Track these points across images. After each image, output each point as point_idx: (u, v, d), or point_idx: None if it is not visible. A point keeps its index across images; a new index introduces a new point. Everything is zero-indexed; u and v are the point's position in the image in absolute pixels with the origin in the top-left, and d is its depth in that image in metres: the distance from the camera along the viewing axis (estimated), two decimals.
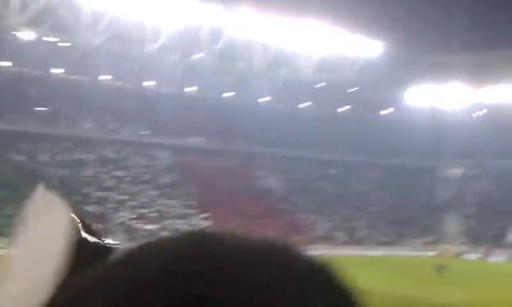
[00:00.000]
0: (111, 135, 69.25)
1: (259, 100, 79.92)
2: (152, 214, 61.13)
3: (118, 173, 66.18)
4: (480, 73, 65.90)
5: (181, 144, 71.42)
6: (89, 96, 69.95)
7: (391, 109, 79.55)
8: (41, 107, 67.56)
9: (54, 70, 71.86)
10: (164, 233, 56.76)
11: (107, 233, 54.86)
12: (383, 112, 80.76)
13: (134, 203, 61.40)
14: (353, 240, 66.35)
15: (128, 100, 72.57)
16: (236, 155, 73.71)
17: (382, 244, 65.58)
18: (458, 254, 62.41)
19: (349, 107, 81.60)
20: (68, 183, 60.91)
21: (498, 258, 59.96)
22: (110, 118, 71.10)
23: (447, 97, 68.89)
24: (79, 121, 69.06)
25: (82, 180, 62.81)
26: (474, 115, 75.30)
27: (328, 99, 77.17)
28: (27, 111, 65.22)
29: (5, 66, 69.61)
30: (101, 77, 73.94)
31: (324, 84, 73.94)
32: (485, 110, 74.42)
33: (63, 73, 72.37)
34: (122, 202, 61.18)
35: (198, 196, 65.94)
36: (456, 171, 79.25)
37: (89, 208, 57.93)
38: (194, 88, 78.07)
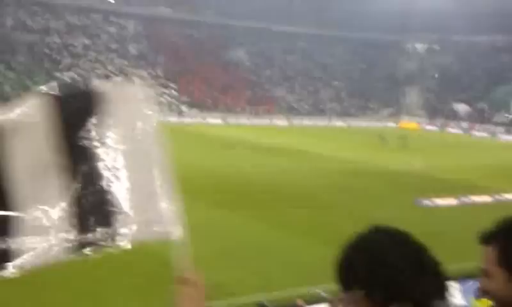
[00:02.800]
0: (78, 1, 67.21)
1: None
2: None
3: (86, 41, 65.08)
4: None
5: (149, 13, 70.14)
6: None
7: None
8: None
9: None
10: None
11: None
12: None
13: (101, 71, 60.90)
14: (317, 111, 68.41)
15: None
16: (204, 26, 73.27)
17: (345, 115, 67.99)
18: (417, 125, 65.79)
19: None
20: (37, 50, 60.23)
21: (455, 129, 63.84)
22: None
23: None
24: None
25: (50, 46, 61.72)
26: None
27: None
28: None
29: None
30: None
31: None
32: None
33: None
34: (91, 69, 60.73)
35: (165, 66, 65.88)
36: (419, 46, 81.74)
37: (58, 75, 57.80)
38: None
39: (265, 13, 74.33)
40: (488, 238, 1.76)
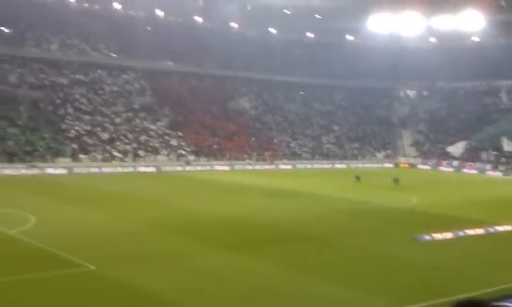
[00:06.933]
0: (81, 57, 69.62)
1: (228, 25, 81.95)
2: (127, 135, 63.27)
3: (91, 95, 67.06)
4: (432, 2, 70.64)
5: (152, 66, 73.06)
6: (55, 18, 70.23)
7: (354, 36, 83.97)
8: (6, 28, 67.13)
9: None
10: (140, 152, 60.21)
11: (86, 153, 57.57)
12: (347, 38, 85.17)
13: (108, 125, 63.19)
14: (319, 155, 72.25)
15: (96, 22, 73.10)
16: (206, 77, 76.91)
17: (346, 157, 72.26)
18: (412, 166, 69.30)
19: (314, 33, 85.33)
20: (41, 106, 61.60)
21: (446, 168, 67.17)
22: (78, 40, 71.53)
23: (404, 24, 73.55)
24: (46, 43, 69.04)
25: (55, 102, 63.14)
26: (428, 40, 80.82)
27: (295, 24, 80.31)
28: None
29: None
30: None
31: (290, 11, 76.69)
32: (436, 38, 79.93)
33: None
34: (98, 123, 62.85)
35: (171, 117, 68.74)
36: (409, 92, 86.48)
37: (66, 128, 59.78)
38: (163, 12, 78.72)
39: (266, 65, 78.35)
40: None
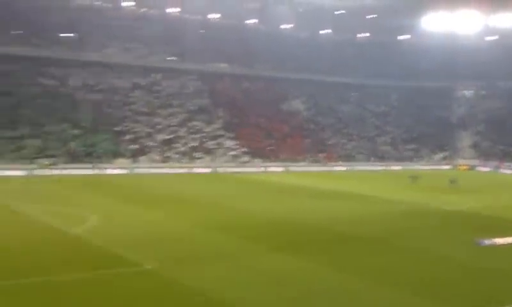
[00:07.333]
0: (139, 61, 71.50)
1: (280, 27, 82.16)
2: (183, 136, 64.52)
3: (148, 98, 68.79)
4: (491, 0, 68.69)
5: (206, 69, 74.34)
6: (114, 23, 72.39)
7: (408, 35, 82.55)
8: (67, 33, 69.55)
9: None
10: (196, 154, 61.27)
11: (144, 154, 59.15)
12: (400, 38, 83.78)
13: (166, 126, 64.59)
14: (374, 157, 71.43)
15: (153, 27, 74.89)
16: (259, 79, 77.42)
17: (401, 159, 71.18)
18: (471, 167, 67.32)
19: (368, 33, 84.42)
20: (101, 108, 63.63)
21: (507, 170, 64.86)
22: (136, 44, 73.38)
23: (461, 23, 71.65)
24: (105, 47, 71.23)
25: (114, 105, 65.09)
26: (486, 39, 78.34)
27: (347, 25, 79.71)
28: (53, 38, 67.25)
29: None
30: (124, 4, 75.58)
31: (343, 12, 76.18)
32: (496, 35, 77.32)
33: (86, 0, 74.11)
34: (156, 125, 64.49)
35: (225, 118, 69.58)
36: (467, 92, 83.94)
37: (126, 130, 61.69)
38: (217, 16, 79.74)
39: (318, 66, 78.01)
40: None
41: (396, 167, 66.38)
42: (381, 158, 70.93)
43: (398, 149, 74.09)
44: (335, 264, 18.67)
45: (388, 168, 66.11)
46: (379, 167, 66.36)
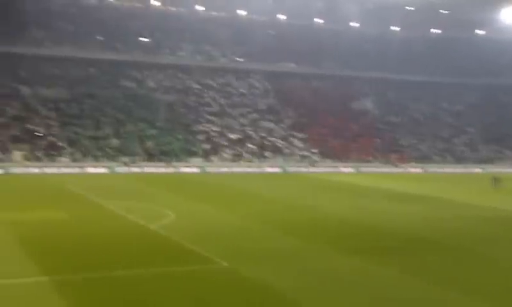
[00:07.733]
0: (210, 62, 73.69)
1: (349, 25, 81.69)
2: (253, 135, 65.67)
3: (220, 98, 70.62)
4: None
5: (275, 69, 75.24)
6: (187, 27, 74.76)
7: (485, 30, 79.78)
8: (144, 37, 72.93)
9: (152, 2, 76.13)
10: (266, 153, 62.36)
11: (216, 153, 60.99)
12: (477, 33, 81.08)
13: (236, 126, 66.12)
14: (451, 158, 69.34)
15: (223, 29, 76.76)
16: (328, 78, 77.32)
17: (481, 161, 68.26)
18: None
19: (440, 28, 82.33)
20: (176, 108, 66.32)
21: None
22: (207, 47, 75.38)
23: None
24: (179, 50, 73.80)
25: (188, 105, 67.52)
26: None
27: (418, 21, 78.14)
28: (132, 42, 70.72)
29: (109, 1, 75.67)
30: (197, 7, 77.96)
31: (413, 7, 74.75)
32: None
33: (160, 6, 76.91)
34: (227, 125, 66.19)
35: (294, 118, 70.14)
36: None
37: (198, 129, 63.81)
38: (284, 16, 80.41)
39: (388, 63, 76.89)
40: None
41: (475, 170, 63.82)
42: (459, 159, 68.84)
43: (477, 151, 71.57)
44: (413, 271, 17.62)
45: (467, 170, 63.59)
46: (456, 169, 63.97)
